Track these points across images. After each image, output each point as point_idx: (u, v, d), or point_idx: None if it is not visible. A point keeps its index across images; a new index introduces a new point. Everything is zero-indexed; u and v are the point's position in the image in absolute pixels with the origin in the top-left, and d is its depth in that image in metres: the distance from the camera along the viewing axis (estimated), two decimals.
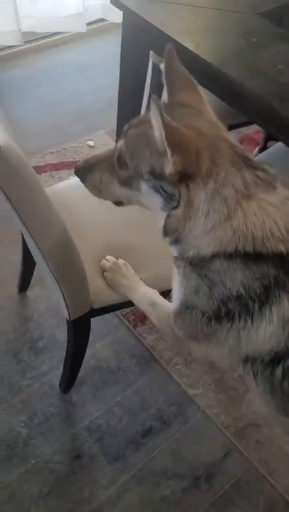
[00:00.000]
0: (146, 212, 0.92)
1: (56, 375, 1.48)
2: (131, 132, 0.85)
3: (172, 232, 0.85)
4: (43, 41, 2.75)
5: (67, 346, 1.33)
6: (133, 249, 1.22)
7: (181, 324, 0.95)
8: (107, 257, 1.20)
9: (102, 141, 2.25)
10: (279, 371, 0.84)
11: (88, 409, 1.44)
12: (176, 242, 0.87)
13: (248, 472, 1.34)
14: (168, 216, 0.83)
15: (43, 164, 2.13)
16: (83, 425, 1.41)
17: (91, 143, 2.25)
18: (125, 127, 0.87)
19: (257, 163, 0.83)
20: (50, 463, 1.33)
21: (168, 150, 0.74)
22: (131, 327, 1.63)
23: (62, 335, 1.53)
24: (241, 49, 1.22)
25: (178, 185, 0.79)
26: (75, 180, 1.51)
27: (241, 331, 0.84)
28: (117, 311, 1.63)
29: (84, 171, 0.94)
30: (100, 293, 1.17)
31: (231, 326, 0.84)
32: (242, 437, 1.41)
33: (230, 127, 1.68)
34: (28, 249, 1.30)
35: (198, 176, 0.77)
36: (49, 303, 1.65)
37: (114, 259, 1.20)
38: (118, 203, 0.97)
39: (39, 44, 2.73)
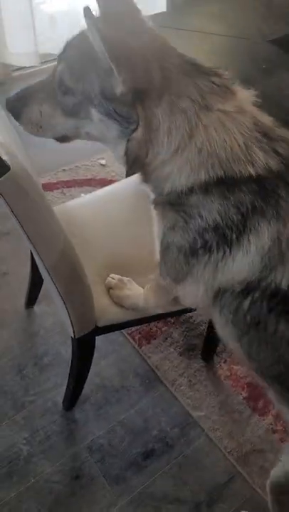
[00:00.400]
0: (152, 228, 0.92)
1: (60, 393, 1.48)
2: (71, 53, 0.76)
3: (135, 162, 0.77)
4: None
5: (71, 364, 1.33)
6: (139, 266, 1.22)
7: (164, 269, 0.90)
8: (112, 275, 1.20)
9: (113, 160, 2.28)
10: (246, 303, 0.80)
11: (90, 427, 1.43)
12: (145, 176, 0.80)
13: (251, 499, 1.31)
14: (128, 141, 0.75)
15: (55, 181, 2.16)
16: (85, 444, 1.39)
17: (103, 161, 2.28)
18: (62, 48, 0.77)
19: (210, 68, 0.76)
20: (49, 482, 1.31)
21: (113, 66, 0.67)
22: (136, 346, 1.62)
23: (67, 352, 1.53)
24: (250, 75, 1.24)
25: (133, 105, 0.71)
26: (86, 198, 1.55)
27: (219, 262, 0.80)
28: (122, 330, 1.63)
29: (17, 105, 0.82)
30: (105, 311, 1.17)
31: (209, 259, 0.80)
32: (246, 463, 1.38)
33: None
34: (37, 265, 1.32)
35: (151, 90, 0.71)
36: (55, 319, 1.66)
37: (120, 276, 1.21)
38: (62, 139, 0.86)
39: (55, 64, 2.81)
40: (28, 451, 1.36)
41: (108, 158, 2.29)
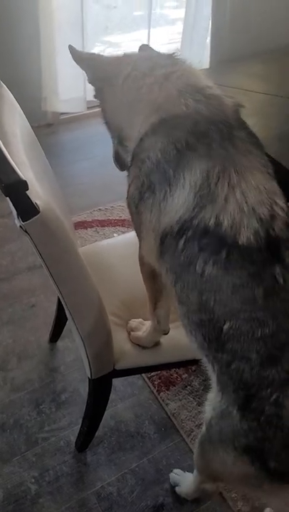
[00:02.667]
0: None
1: (74, 432, 1.47)
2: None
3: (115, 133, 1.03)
4: None
5: (87, 404, 1.32)
6: None
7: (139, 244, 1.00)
8: (133, 319, 1.21)
9: None
10: (181, 242, 0.85)
11: (101, 472, 1.40)
12: (119, 140, 1.01)
13: None
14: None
15: (90, 220, 2.23)
16: (94, 490, 1.36)
17: None
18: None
19: (167, 53, 0.99)
20: None
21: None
22: (155, 391, 1.59)
23: (85, 390, 1.52)
24: (285, 132, 1.26)
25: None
26: (117, 239, 1.59)
27: (161, 203, 0.87)
28: (142, 374, 1.61)
29: None
30: (124, 354, 1.17)
31: (153, 201, 0.88)
32: None
33: None
34: None
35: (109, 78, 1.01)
36: (77, 356, 1.67)
37: (140, 319, 1.21)
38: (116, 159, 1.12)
39: None
40: (36, 491, 1.34)
41: None
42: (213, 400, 0.95)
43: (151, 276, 1.05)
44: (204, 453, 1.02)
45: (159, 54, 1.02)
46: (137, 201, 0.92)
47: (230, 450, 0.92)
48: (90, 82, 1.06)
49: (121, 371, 1.19)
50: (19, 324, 1.79)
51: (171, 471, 1.38)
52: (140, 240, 0.99)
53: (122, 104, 0.98)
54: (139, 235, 0.98)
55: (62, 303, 0.97)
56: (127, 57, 1.02)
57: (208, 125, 0.85)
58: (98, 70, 1.03)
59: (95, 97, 1.08)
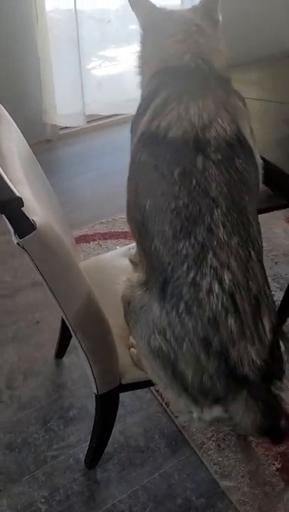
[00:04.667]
0: None
1: (83, 449, 1.44)
2: None
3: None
4: (105, 121, 2.99)
5: (95, 420, 1.30)
6: None
7: None
8: None
9: None
10: (139, 145, 1.07)
11: (112, 490, 1.37)
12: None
13: None
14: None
15: (92, 233, 2.23)
16: (105, 508, 1.33)
17: None
18: None
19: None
20: None
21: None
22: (164, 404, 1.57)
23: (93, 406, 1.48)
24: (282, 137, 1.26)
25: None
26: (119, 251, 1.58)
27: (141, 120, 1.07)
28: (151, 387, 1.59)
29: None
30: (130, 368, 1.15)
31: (140, 119, 1.07)
32: None
33: (274, 208, 1.72)
34: None
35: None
36: (83, 371, 1.64)
37: None
38: None
39: (101, 124, 2.97)
40: (47, 511, 1.32)
41: None
42: (138, 289, 0.98)
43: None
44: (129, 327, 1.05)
45: (191, 20, 1.18)
46: (134, 118, 1.13)
47: (146, 347, 0.92)
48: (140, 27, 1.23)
49: (127, 385, 1.17)
50: (24, 341, 1.78)
51: (184, 486, 1.35)
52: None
53: (149, 53, 1.20)
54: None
55: (65, 320, 0.96)
56: (170, 14, 1.20)
57: (188, 73, 1.09)
58: (146, 18, 1.20)
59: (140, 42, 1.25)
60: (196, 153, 0.94)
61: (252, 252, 0.88)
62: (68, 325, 0.98)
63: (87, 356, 1.04)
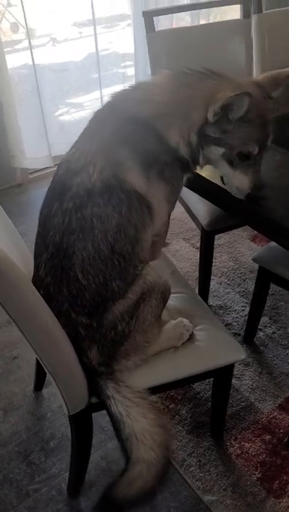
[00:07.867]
0: None
1: (65, 479, 1.44)
2: None
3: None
4: None
5: (71, 443, 1.32)
6: None
7: None
8: None
9: None
10: None
11: None
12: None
13: None
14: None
15: None
16: None
17: None
18: None
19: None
20: None
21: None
22: None
23: None
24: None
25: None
26: None
27: None
28: None
29: None
30: None
31: None
32: None
33: (232, 227, 1.83)
34: None
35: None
36: None
37: None
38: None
39: None
40: None
41: None
42: None
43: None
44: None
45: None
46: None
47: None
48: None
49: (98, 404, 1.20)
50: (3, 378, 1.79)
51: (168, 505, 1.36)
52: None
53: None
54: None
55: (24, 339, 1.01)
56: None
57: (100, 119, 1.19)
58: None
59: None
60: (56, 199, 1.08)
61: (64, 289, 1.07)
62: (28, 344, 1.03)
63: (53, 377, 1.08)
